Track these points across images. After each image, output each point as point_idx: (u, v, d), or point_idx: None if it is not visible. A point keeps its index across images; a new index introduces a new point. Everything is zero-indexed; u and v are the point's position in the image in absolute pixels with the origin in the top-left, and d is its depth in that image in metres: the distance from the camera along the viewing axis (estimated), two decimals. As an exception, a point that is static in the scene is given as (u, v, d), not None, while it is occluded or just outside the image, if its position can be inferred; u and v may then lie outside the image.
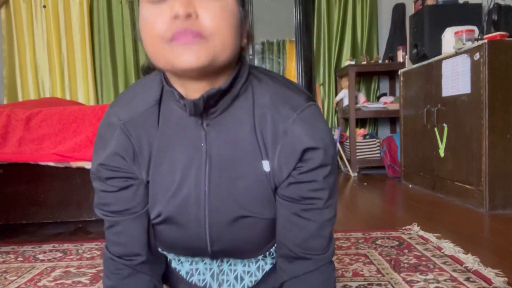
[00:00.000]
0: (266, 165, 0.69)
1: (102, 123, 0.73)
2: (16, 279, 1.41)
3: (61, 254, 1.67)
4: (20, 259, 1.64)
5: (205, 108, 0.65)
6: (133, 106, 0.71)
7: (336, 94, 4.03)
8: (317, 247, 0.71)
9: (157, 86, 0.71)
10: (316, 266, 0.71)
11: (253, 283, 0.83)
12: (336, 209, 0.73)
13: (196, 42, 0.57)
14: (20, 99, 3.92)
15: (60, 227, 2.15)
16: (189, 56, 0.57)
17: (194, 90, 0.64)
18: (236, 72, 0.67)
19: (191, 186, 0.70)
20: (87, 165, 1.86)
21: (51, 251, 1.72)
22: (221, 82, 0.65)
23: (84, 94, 3.93)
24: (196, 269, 0.85)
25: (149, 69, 0.74)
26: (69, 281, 1.37)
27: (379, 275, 1.31)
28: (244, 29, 0.65)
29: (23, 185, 1.94)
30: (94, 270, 1.47)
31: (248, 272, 0.83)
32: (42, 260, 1.61)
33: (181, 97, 0.66)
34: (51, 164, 1.86)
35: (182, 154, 0.69)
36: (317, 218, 0.70)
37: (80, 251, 1.71)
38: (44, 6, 3.89)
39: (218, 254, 0.77)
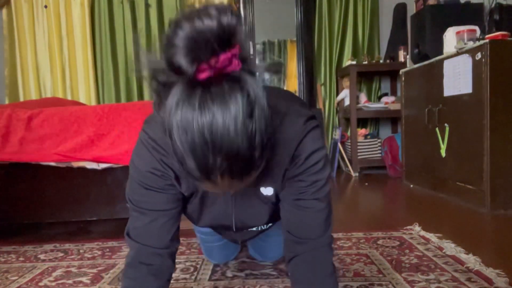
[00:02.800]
0: (269, 191, 0.88)
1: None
2: (17, 279, 1.41)
3: (62, 254, 1.67)
4: (21, 259, 1.64)
5: None
6: None
7: (337, 94, 4.02)
8: (313, 233, 0.85)
9: None
10: (313, 248, 0.85)
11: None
12: (330, 202, 0.87)
13: None
14: (21, 99, 3.92)
15: (61, 227, 2.16)
16: None
17: None
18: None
19: (221, 205, 0.94)
20: (88, 165, 1.86)
21: (52, 251, 1.73)
22: None
23: (85, 94, 3.93)
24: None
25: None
26: (70, 281, 1.37)
27: (380, 275, 1.31)
28: None
29: (24, 185, 1.94)
30: (95, 270, 1.47)
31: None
32: (43, 260, 1.61)
33: None
34: (52, 164, 1.86)
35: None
36: (311, 209, 0.84)
37: (81, 251, 1.71)
38: (46, 6, 3.90)
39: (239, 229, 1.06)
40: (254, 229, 1.11)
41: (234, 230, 1.04)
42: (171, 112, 0.57)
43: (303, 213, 0.85)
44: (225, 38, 0.56)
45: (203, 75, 0.56)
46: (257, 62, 0.63)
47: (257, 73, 0.61)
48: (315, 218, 0.85)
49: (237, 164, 0.59)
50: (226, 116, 0.56)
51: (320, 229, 0.85)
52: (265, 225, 1.12)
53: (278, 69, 0.79)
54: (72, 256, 1.64)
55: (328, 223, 0.87)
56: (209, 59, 0.55)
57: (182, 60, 0.55)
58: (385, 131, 4.14)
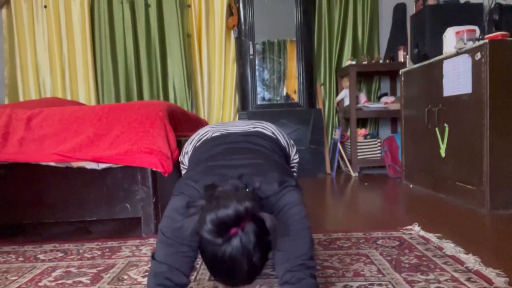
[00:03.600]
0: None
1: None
2: (17, 279, 1.41)
3: (62, 254, 1.67)
4: (21, 259, 1.64)
5: None
6: None
7: (337, 94, 4.03)
8: (299, 253, 1.00)
9: None
10: (296, 264, 1.00)
11: None
12: (310, 234, 1.03)
13: None
14: (21, 99, 3.92)
15: (61, 227, 2.16)
16: None
17: None
18: None
19: None
20: (88, 165, 1.86)
21: (52, 251, 1.73)
22: None
23: (85, 94, 3.93)
24: None
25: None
26: (69, 281, 1.37)
27: (380, 275, 1.31)
28: None
29: (24, 185, 1.94)
30: (94, 270, 1.47)
31: None
32: (43, 260, 1.61)
33: None
34: (52, 164, 1.86)
35: None
36: (295, 233, 1.03)
37: (81, 251, 1.71)
38: (45, 6, 3.90)
39: None
40: None
41: None
42: (204, 250, 0.97)
43: (285, 245, 1.00)
44: (239, 219, 0.88)
45: (222, 239, 0.88)
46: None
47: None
48: (295, 246, 1.00)
49: (247, 279, 1.00)
50: (239, 264, 0.92)
51: (300, 252, 0.99)
52: None
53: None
54: (72, 256, 1.64)
55: (308, 248, 1.00)
56: (229, 231, 0.88)
57: (207, 235, 0.87)
58: (385, 131, 4.14)
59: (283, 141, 1.45)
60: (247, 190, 0.99)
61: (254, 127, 1.43)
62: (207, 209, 0.88)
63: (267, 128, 1.44)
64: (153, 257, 1.02)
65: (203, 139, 1.40)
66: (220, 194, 0.90)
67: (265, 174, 1.08)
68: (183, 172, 1.60)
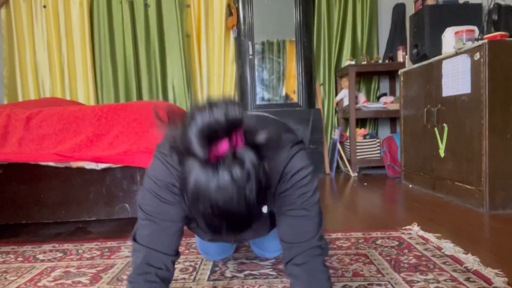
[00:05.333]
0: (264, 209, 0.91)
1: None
2: (16, 279, 1.41)
3: (61, 254, 1.67)
4: (20, 259, 1.64)
5: None
6: None
7: (336, 94, 4.03)
8: (303, 237, 0.93)
9: None
10: (304, 249, 0.92)
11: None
12: (319, 209, 0.96)
13: None
14: (20, 99, 3.92)
15: (60, 227, 2.15)
16: None
17: None
18: None
19: None
20: (87, 165, 1.86)
21: (51, 251, 1.72)
22: None
23: (84, 94, 3.93)
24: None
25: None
26: (69, 281, 1.37)
27: (379, 275, 1.31)
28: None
29: (23, 185, 1.94)
30: (94, 270, 1.47)
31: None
32: (42, 260, 1.61)
33: None
34: (51, 164, 1.86)
35: None
36: (301, 217, 0.93)
37: (80, 251, 1.71)
38: (44, 6, 3.89)
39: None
40: None
41: (235, 242, 1.16)
42: (185, 180, 0.73)
43: (294, 222, 0.94)
44: (230, 127, 0.70)
45: (212, 157, 0.70)
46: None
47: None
48: (305, 225, 0.93)
49: (238, 224, 0.75)
50: (230, 191, 0.70)
51: (310, 234, 0.93)
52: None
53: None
54: (71, 256, 1.64)
55: (317, 228, 0.95)
56: (217, 144, 0.70)
57: (195, 147, 0.70)
58: (384, 131, 4.15)
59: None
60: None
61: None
62: (189, 123, 0.71)
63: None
64: (134, 238, 0.96)
65: None
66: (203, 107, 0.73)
67: (268, 125, 0.97)
68: None
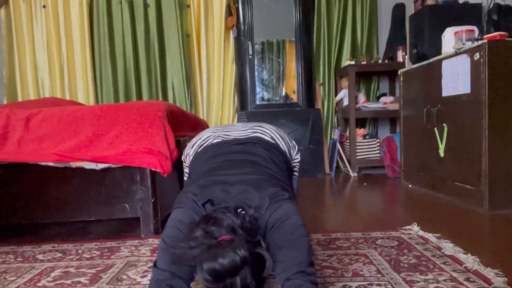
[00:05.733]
0: None
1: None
2: (15, 279, 1.41)
3: (60, 254, 1.67)
4: (19, 259, 1.63)
5: None
6: None
7: (336, 94, 4.03)
8: (291, 263, 1.00)
9: None
10: (292, 273, 0.98)
11: None
12: (308, 242, 1.03)
13: None
14: (20, 99, 3.92)
15: (60, 227, 2.15)
16: None
17: None
18: None
19: None
20: (87, 165, 1.86)
21: (50, 251, 1.72)
22: None
23: (83, 94, 3.93)
24: None
25: None
26: (68, 281, 1.37)
27: (379, 275, 1.31)
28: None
29: (22, 185, 1.94)
30: (93, 270, 1.46)
31: None
32: (42, 260, 1.60)
33: None
34: (51, 164, 1.86)
35: None
36: (290, 250, 1.02)
37: (79, 251, 1.70)
38: (44, 6, 3.89)
39: None
40: None
41: None
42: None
43: (282, 254, 1.01)
44: (236, 270, 0.89)
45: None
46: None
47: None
48: (293, 256, 1.00)
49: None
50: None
51: (297, 261, 1.00)
52: None
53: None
54: (71, 257, 1.64)
55: (306, 257, 1.01)
56: (223, 281, 0.89)
57: (205, 282, 0.91)
58: (384, 131, 4.15)
59: (282, 145, 1.46)
60: (244, 218, 0.99)
61: (254, 132, 1.46)
62: (205, 256, 0.89)
63: (266, 133, 1.46)
64: (155, 265, 1.03)
65: (205, 145, 1.44)
66: (218, 243, 0.91)
67: (259, 189, 1.11)
68: (185, 170, 1.64)
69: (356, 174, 3.63)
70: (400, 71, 3.20)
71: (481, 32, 2.43)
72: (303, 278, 0.97)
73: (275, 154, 1.37)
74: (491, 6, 2.48)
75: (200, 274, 0.90)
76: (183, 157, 1.63)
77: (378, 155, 3.68)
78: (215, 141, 1.43)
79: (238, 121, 3.69)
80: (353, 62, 3.72)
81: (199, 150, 1.45)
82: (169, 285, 0.98)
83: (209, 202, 1.09)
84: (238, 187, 1.11)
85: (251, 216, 1.01)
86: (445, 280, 1.25)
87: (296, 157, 1.58)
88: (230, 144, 1.38)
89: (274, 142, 1.44)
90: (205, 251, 0.90)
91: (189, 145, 1.55)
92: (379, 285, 1.24)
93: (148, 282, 1.29)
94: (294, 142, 1.57)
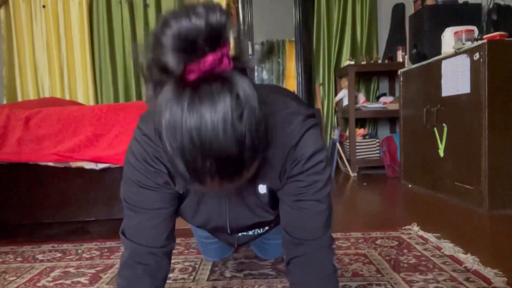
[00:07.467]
0: (262, 188, 0.84)
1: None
2: (15, 279, 1.41)
3: (60, 254, 1.67)
4: (19, 259, 1.63)
5: None
6: None
7: (336, 94, 4.03)
8: (312, 235, 0.82)
9: None
10: (312, 249, 0.82)
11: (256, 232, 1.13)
12: (330, 203, 0.84)
13: None
14: (19, 99, 3.91)
15: (60, 227, 2.15)
16: None
17: None
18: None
19: (215, 204, 0.91)
20: (87, 165, 1.86)
21: (50, 251, 1.72)
22: None
23: (83, 94, 3.92)
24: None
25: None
26: (68, 281, 1.37)
27: (379, 275, 1.31)
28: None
29: (22, 185, 1.94)
30: (93, 270, 1.46)
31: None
32: (41, 260, 1.60)
33: None
34: (51, 164, 1.86)
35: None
36: (310, 210, 0.81)
37: (79, 251, 1.70)
38: (44, 6, 3.89)
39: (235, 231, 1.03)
40: (250, 233, 1.10)
41: (229, 232, 0.99)
42: (160, 111, 0.57)
43: (302, 214, 0.82)
44: (214, 38, 0.55)
45: (191, 76, 0.56)
46: (250, 57, 0.61)
47: (250, 70, 0.61)
48: (314, 220, 0.82)
49: (226, 166, 0.59)
50: (214, 118, 0.55)
51: (320, 231, 0.82)
52: (261, 229, 1.10)
53: (270, 49, 0.59)
54: (71, 257, 1.64)
55: (328, 224, 0.84)
56: (198, 59, 0.55)
57: (170, 60, 0.55)
58: (384, 131, 4.15)
59: None
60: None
61: None
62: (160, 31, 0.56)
63: None
64: (122, 231, 0.88)
65: None
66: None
67: (279, 93, 0.87)
68: None
69: (355, 174, 3.64)
70: (400, 71, 3.20)
71: (481, 32, 2.43)
72: (328, 256, 0.82)
73: None
74: (491, 6, 2.48)
75: (161, 53, 0.55)
76: None
77: (378, 155, 3.68)
78: None
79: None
80: (353, 62, 3.72)
81: None
82: (137, 262, 0.84)
83: None
84: None
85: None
86: (444, 280, 1.25)
87: None
88: None
89: None
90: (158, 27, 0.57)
91: None
92: (379, 285, 1.24)
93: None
94: None
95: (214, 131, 0.55)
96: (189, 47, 0.54)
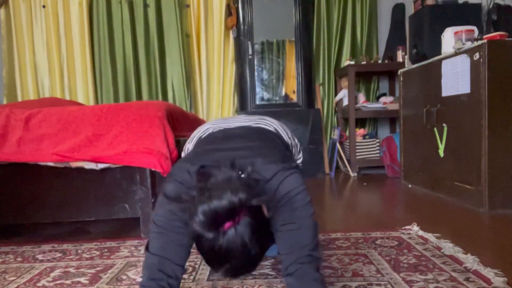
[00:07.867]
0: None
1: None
2: (15, 279, 1.41)
3: (60, 254, 1.67)
4: (19, 259, 1.63)
5: None
6: None
7: (336, 94, 4.03)
8: (296, 247, 0.96)
9: None
10: (298, 258, 0.95)
11: None
12: (313, 221, 1.00)
13: None
14: (19, 99, 3.91)
15: (60, 227, 2.15)
16: None
17: None
18: None
19: None
20: (86, 165, 1.86)
21: (50, 251, 1.72)
22: None
23: (83, 94, 3.93)
24: None
25: None
26: (68, 281, 1.37)
27: (379, 275, 1.31)
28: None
29: (22, 185, 1.94)
30: (93, 270, 1.46)
31: None
32: (42, 260, 1.60)
33: None
34: (51, 164, 1.86)
35: None
36: (296, 230, 0.97)
37: (79, 251, 1.71)
38: (44, 6, 3.89)
39: None
40: None
41: None
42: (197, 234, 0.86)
43: (287, 235, 0.97)
44: (233, 212, 0.82)
45: (216, 233, 0.83)
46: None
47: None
48: (298, 237, 0.97)
49: (242, 270, 0.93)
50: (234, 251, 0.85)
51: (303, 244, 0.96)
52: None
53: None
54: (71, 257, 1.64)
55: (312, 239, 0.97)
56: (222, 226, 0.83)
57: (199, 229, 0.82)
58: (384, 131, 4.15)
59: (286, 138, 1.38)
60: (242, 175, 0.91)
61: (256, 123, 1.36)
62: (198, 200, 0.82)
63: (270, 124, 1.36)
64: (147, 248, 1.00)
65: (204, 135, 1.35)
66: (213, 186, 0.85)
67: (263, 155, 1.04)
68: None
69: (355, 174, 3.64)
70: (399, 71, 3.20)
71: (481, 32, 2.43)
72: (309, 264, 0.94)
73: (278, 143, 1.27)
74: (491, 6, 2.48)
75: (194, 221, 0.81)
76: (182, 153, 1.58)
77: (378, 155, 3.68)
78: (215, 130, 1.34)
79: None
80: (353, 62, 3.73)
81: (197, 141, 1.36)
82: (159, 270, 0.96)
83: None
84: (240, 153, 1.03)
85: (250, 174, 0.91)
86: (444, 280, 1.25)
87: (298, 157, 1.54)
88: (231, 129, 1.31)
89: (276, 132, 1.35)
90: (198, 196, 0.83)
91: (188, 140, 1.49)
92: (379, 285, 1.24)
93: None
94: (296, 140, 1.49)
95: (237, 259, 0.87)
96: (215, 220, 0.82)
